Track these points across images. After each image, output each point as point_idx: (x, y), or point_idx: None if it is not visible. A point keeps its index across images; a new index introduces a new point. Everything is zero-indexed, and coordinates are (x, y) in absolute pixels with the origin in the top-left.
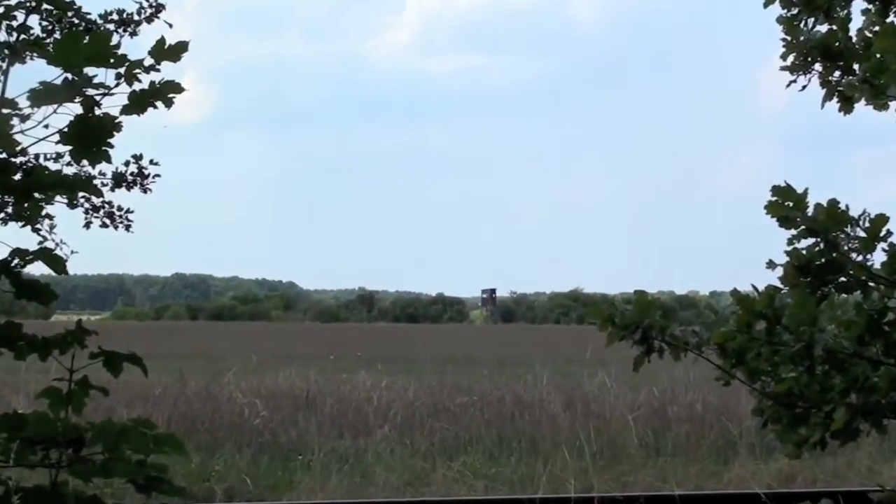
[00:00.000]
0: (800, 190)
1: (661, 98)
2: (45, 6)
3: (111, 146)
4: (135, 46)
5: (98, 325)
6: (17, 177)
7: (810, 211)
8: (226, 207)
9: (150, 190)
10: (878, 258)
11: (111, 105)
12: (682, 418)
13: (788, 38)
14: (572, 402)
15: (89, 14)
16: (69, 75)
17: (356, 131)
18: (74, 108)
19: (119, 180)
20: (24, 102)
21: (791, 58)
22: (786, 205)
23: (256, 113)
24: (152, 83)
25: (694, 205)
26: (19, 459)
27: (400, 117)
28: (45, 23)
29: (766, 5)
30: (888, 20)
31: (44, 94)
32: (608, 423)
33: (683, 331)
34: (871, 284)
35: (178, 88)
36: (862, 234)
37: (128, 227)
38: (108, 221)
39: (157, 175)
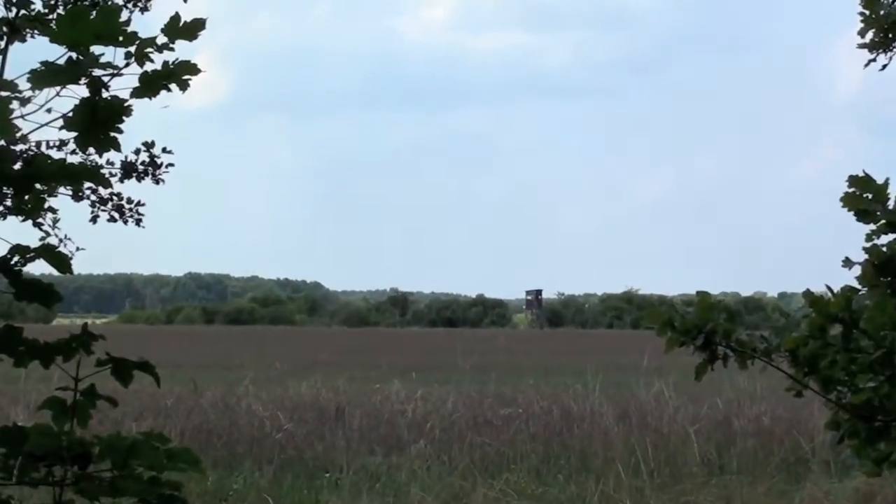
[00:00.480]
0: (880, 180)
1: (728, 83)
2: None
3: (120, 132)
4: (146, 23)
5: (104, 329)
6: (18, 166)
7: (892, 203)
8: (244, 201)
9: (162, 181)
10: None
11: (120, 87)
12: (748, 432)
13: (867, 13)
14: (626, 414)
15: None
16: (74, 54)
17: (388, 117)
18: (80, 91)
19: (129, 170)
20: (24, 84)
21: (870, 34)
22: (864, 196)
23: (278, 97)
24: (165, 63)
25: (761, 198)
26: (21, 477)
27: (436, 102)
28: None
29: None
30: None
31: (46, 76)
32: (666, 438)
33: (750, 336)
34: None
35: (193, 69)
36: None
37: (138, 222)
38: (116, 215)
39: (171, 164)
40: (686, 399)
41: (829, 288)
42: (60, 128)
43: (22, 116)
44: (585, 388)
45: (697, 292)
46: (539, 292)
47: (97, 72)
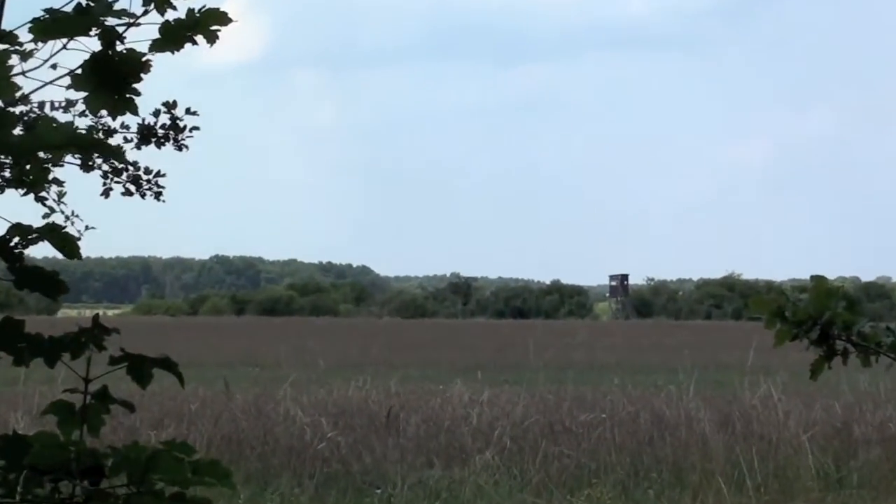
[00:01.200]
0: None
1: (843, 27)
2: None
3: (137, 92)
4: None
5: (118, 321)
6: (18, 131)
7: None
8: (281, 172)
9: (186, 147)
10: None
11: (137, 40)
12: (871, 440)
13: None
14: (728, 419)
15: None
16: (83, 1)
17: (447, 75)
18: (90, 44)
19: (147, 135)
20: (25, 36)
21: None
22: None
23: (320, 52)
24: (190, 11)
25: (885, 165)
26: (24, 494)
27: (499, 57)
28: None
29: None
30: None
31: (51, 26)
32: (775, 447)
33: (874, 328)
34: None
35: (223, 18)
36: None
37: (158, 196)
38: (132, 188)
39: (196, 128)
40: (798, 402)
41: None
42: (67, 87)
43: (23, 73)
44: (680, 389)
45: (812, 276)
46: (625, 277)
47: (110, 21)
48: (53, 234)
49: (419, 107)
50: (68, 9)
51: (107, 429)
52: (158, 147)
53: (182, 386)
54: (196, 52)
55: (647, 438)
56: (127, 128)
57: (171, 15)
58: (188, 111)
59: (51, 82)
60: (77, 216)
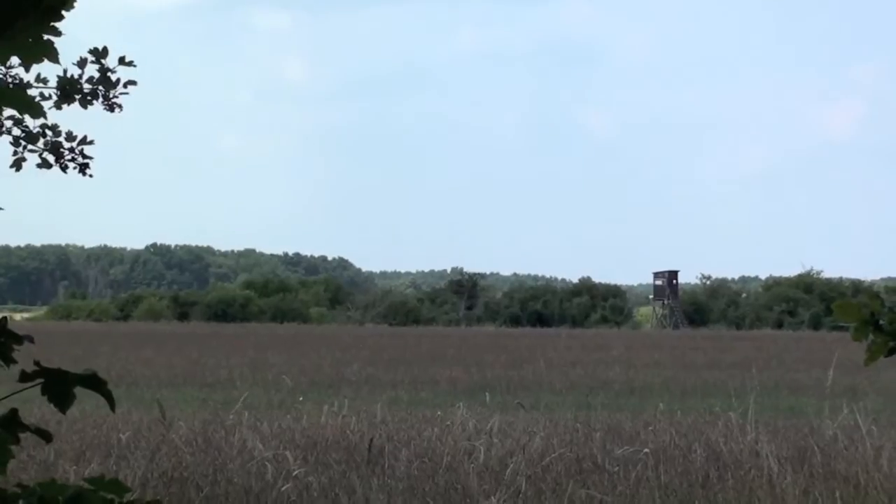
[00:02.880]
0: None
1: None
2: None
3: (57, 32)
4: None
5: (30, 326)
6: None
7: None
8: (236, 141)
9: (119, 107)
10: None
11: None
12: None
13: None
14: (803, 456)
15: None
16: None
17: (449, 15)
18: None
19: (69, 90)
20: None
21: None
22: None
23: None
24: None
25: None
26: None
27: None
28: None
29: None
30: None
31: None
32: (863, 492)
33: None
34: None
35: None
36: None
37: (83, 169)
38: (51, 159)
39: (132, 82)
40: (893, 435)
41: None
42: None
43: None
44: (743, 416)
45: None
46: (674, 275)
47: None
48: None
49: (413, 57)
50: None
51: (15, 463)
52: (84, 106)
53: (112, 409)
54: None
55: (701, 479)
56: (44, 81)
57: None
58: (122, 61)
59: None
60: None
